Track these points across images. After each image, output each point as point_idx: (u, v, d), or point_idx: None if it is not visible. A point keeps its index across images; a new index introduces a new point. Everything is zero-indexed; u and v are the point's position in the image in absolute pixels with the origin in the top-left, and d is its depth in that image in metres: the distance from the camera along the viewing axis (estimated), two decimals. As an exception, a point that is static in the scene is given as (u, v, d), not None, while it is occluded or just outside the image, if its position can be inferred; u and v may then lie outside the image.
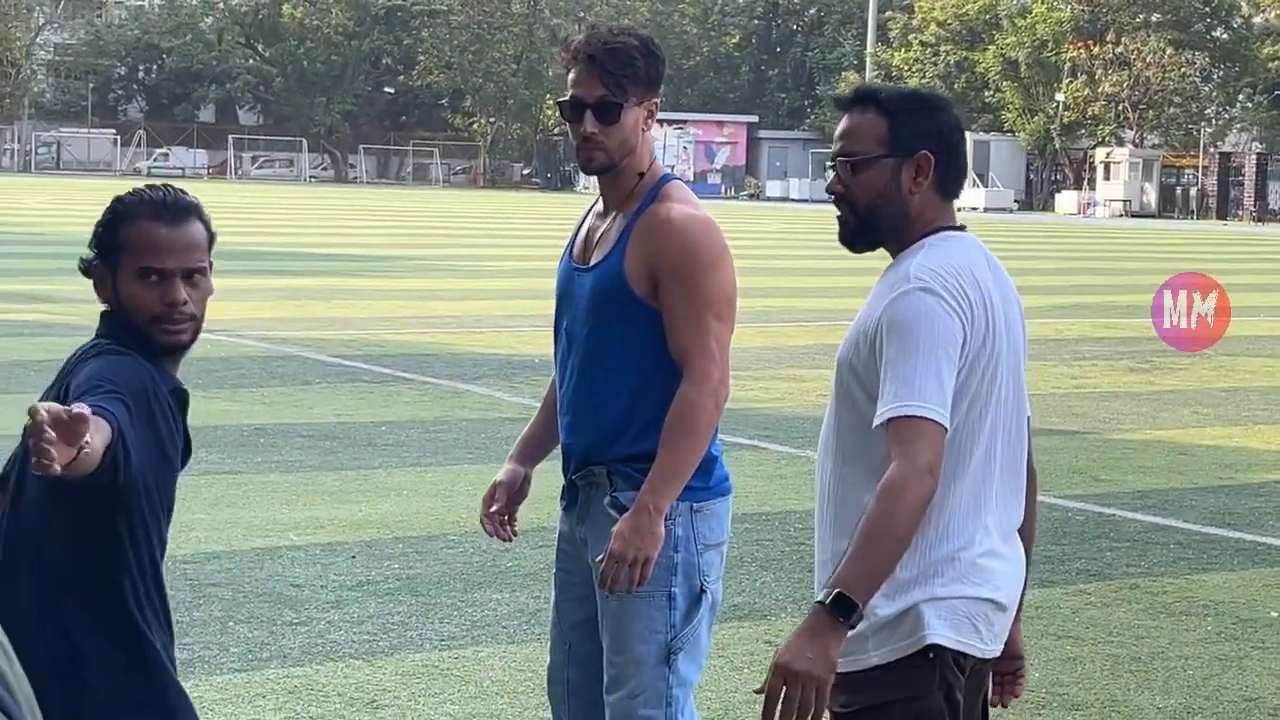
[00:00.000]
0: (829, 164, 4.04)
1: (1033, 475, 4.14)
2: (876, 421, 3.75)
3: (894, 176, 3.94)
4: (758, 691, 3.62)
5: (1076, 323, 24.99)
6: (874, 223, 3.96)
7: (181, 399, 3.93)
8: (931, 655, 3.83)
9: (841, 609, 3.59)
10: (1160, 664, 8.04)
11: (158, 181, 4.17)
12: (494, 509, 4.98)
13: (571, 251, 4.85)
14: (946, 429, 3.73)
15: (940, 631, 3.83)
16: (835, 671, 3.60)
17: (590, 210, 4.92)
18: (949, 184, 3.99)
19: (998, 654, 3.99)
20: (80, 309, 22.20)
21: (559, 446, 4.91)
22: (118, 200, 3.95)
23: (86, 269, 3.96)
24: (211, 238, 3.96)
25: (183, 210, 3.90)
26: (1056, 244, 52.25)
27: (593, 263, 4.72)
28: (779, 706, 3.55)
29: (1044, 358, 20.30)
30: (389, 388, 16.34)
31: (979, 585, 3.87)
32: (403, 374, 17.23)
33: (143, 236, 3.85)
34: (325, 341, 19.76)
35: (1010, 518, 4.01)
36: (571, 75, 4.65)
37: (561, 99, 4.71)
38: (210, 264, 3.95)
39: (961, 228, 4.03)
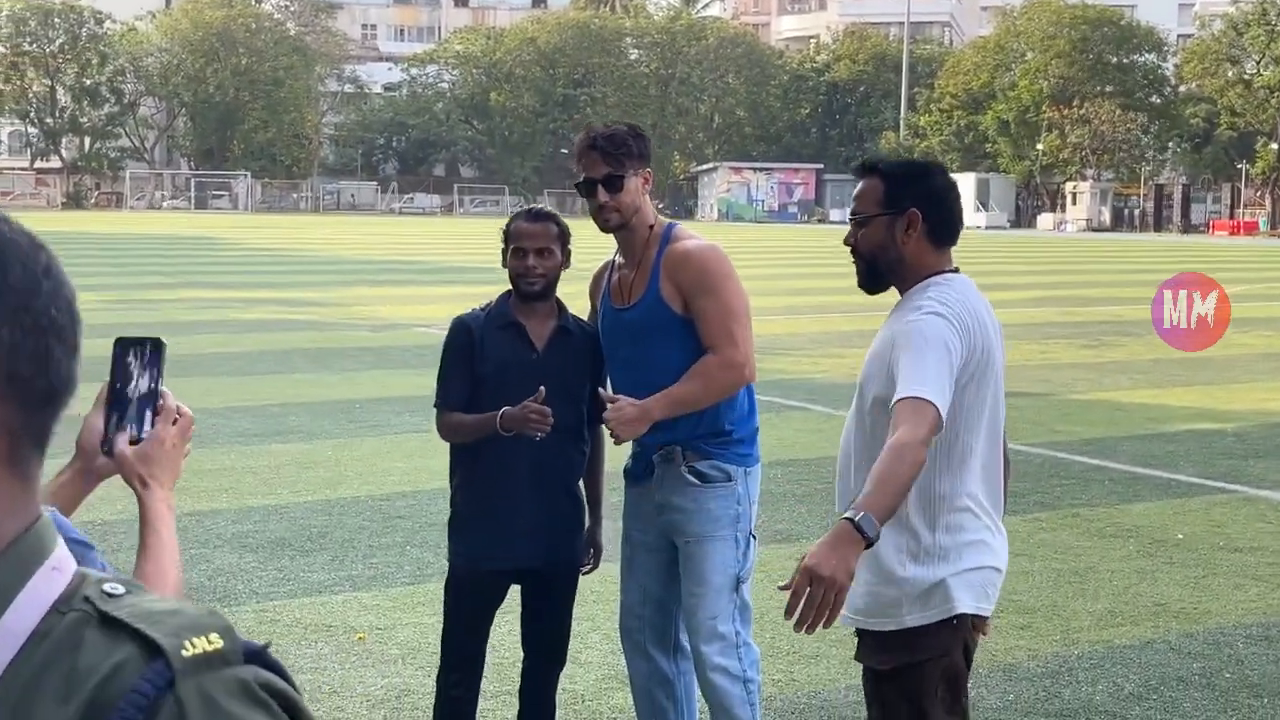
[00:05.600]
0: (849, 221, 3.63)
1: (1008, 464, 3.69)
2: (899, 397, 3.26)
3: (889, 230, 3.51)
4: (783, 588, 3.05)
5: (1046, 310, 24.22)
6: (876, 269, 3.55)
7: (515, 328, 4.47)
8: (955, 621, 3.42)
9: (865, 530, 3.06)
10: (1092, 576, 7.52)
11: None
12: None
13: (610, 300, 4.48)
14: (943, 421, 3.26)
15: (965, 602, 3.42)
16: (851, 579, 3.06)
17: (611, 266, 4.54)
18: (939, 234, 3.53)
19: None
20: (340, 310, 22.10)
21: None
22: (512, 215, 4.59)
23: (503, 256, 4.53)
24: (562, 232, 4.47)
25: (538, 216, 4.50)
26: (1037, 253, 51.07)
27: (633, 301, 4.36)
28: (802, 601, 3.02)
29: (1019, 338, 19.62)
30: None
31: (988, 557, 3.46)
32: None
33: (516, 229, 4.45)
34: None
35: (999, 499, 3.58)
36: (582, 164, 4.35)
37: (577, 182, 4.39)
38: (562, 250, 4.45)
39: (955, 270, 3.57)
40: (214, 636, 1.08)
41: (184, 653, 1.06)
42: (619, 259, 4.48)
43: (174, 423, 2.00)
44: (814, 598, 3.02)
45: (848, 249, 3.62)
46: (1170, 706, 5.64)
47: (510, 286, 4.54)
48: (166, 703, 1.04)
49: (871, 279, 3.60)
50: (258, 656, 1.10)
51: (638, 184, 4.32)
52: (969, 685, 3.61)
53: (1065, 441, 11.52)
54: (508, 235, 4.52)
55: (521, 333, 4.49)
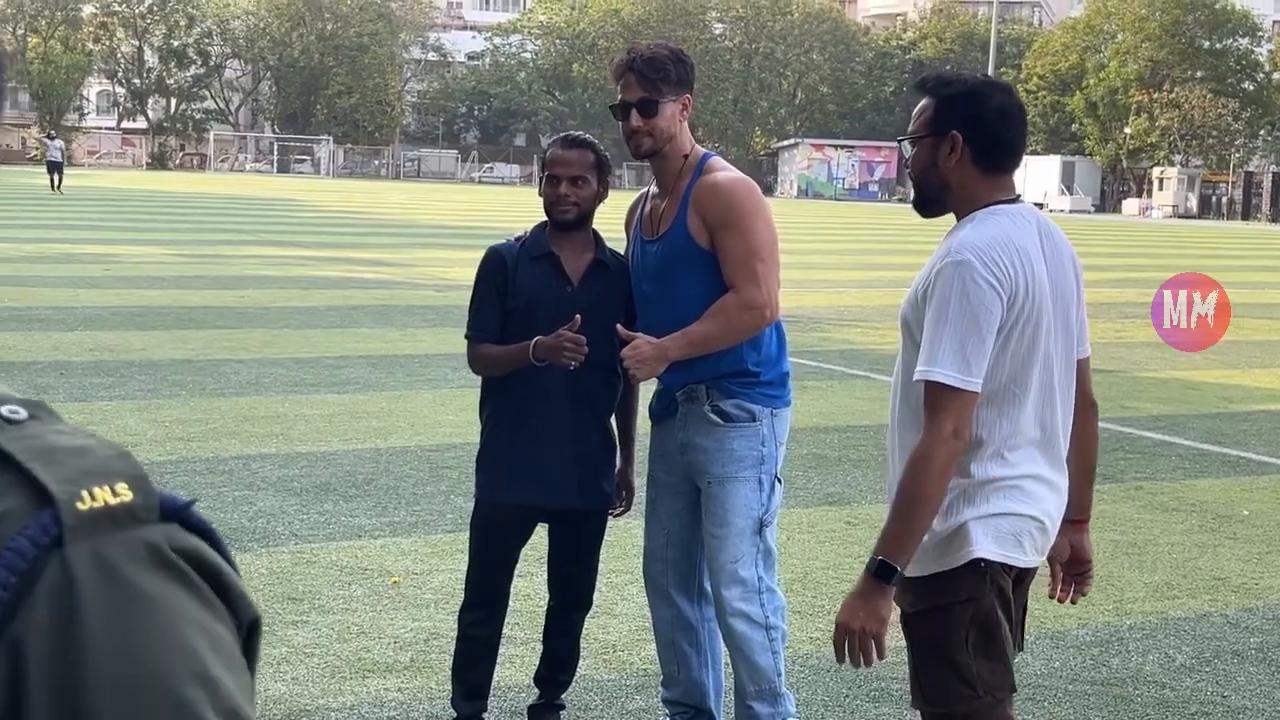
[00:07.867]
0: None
1: (1092, 407, 3.45)
2: (915, 376, 3.18)
3: (932, 153, 3.28)
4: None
5: (1124, 291, 23.79)
6: (924, 193, 3.34)
7: (550, 260, 4.36)
8: (982, 565, 3.23)
9: (884, 574, 3.16)
10: (1150, 549, 7.30)
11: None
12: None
13: (641, 231, 4.34)
14: (971, 390, 3.11)
15: (985, 547, 3.21)
16: (886, 624, 3.19)
17: (646, 196, 4.40)
18: (986, 159, 3.26)
19: (1037, 565, 3.34)
20: (408, 270, 22.11)
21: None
22: (550, 142, 4.49)
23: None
24: (600, 161, 4.33)
25: (574, 142, 4.37)
26: (1121, 237, 50.19)
27: (661, 233, 4.22)
28: (845, 654, 3.24)
29: (1095, 317, 19.18)
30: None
31: (1022, 504, 3.22)
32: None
33: (552, 156, 4.32)
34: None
35: (1059, 448, 3.32)
36: (619, 86, 4.19)
37: (612, 104, 4.23)
38: (599, 180, 4.34)
39: (1015, 199, 3.31)
40: (121, 486, 0.86)
41: (79, 505, 0.84)
42: (654, 189, 4.34)
43: None
44: (853, 648, 3.21)
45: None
46: (1223, 679, 5.43)
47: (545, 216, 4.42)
48: (50, 567, 0.81)
49: (923, 205, 3.42)
50: (178, 514, 0.88)
51: (674, 110, 4.16)
52: (1018, 634, 3.44)
53: (1134, 417, 11.24)
54: (544, 163, 4.40)
55: (556, 265, 4.36)
